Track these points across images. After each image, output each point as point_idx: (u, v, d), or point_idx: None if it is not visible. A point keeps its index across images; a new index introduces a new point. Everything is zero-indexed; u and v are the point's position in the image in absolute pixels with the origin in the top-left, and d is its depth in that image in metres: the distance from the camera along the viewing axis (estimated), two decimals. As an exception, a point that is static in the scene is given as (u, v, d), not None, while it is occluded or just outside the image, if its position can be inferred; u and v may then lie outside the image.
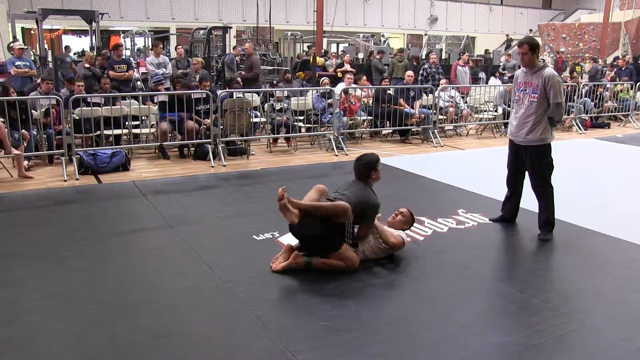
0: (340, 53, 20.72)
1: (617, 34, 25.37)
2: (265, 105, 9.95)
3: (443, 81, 11.94)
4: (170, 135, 8.57)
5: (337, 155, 9.09)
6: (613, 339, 3.46)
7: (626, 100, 13.73)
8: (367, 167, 4.61)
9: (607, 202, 6.63)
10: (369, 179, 4.61)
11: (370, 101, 10.83)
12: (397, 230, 4.75)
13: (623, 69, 15.16)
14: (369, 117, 10.64)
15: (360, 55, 21.11)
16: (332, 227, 4.31)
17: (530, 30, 29.72)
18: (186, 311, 3.72)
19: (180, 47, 13.51)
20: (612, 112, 13.63)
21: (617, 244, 5.17)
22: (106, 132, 8.13)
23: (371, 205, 4.50)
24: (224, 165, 8.21)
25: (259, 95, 10.49)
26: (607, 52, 24.50)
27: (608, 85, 13.81)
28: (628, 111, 13.69)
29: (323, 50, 20.27)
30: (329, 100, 9.78)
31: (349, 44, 23.20)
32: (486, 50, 24.29)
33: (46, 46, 14.36)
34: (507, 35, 29.46)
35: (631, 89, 13.88)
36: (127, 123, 8.54)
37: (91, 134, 8.08)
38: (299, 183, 7.00)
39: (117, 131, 8.34)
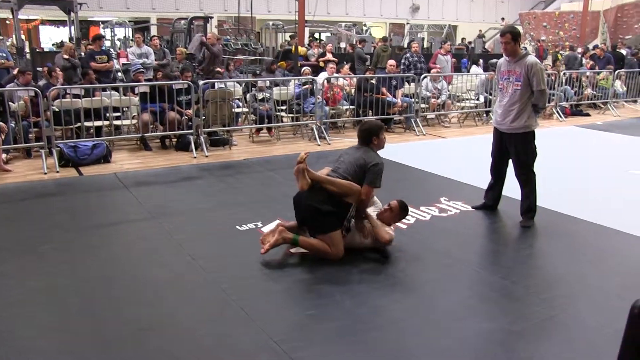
0: (322, 42, 20.66)
1: (597, 23, 25.58)
2: (248, 96, 9.90)
3: (433, 71, 11.97)
4: (151, 126, 8.49)
5: (319, 145, 9.08)
6: (592, 323, 3.50)
7: (605, 89, 13.86)
8: (367, 133, 4.64)
9: (588, 189, 6.70)
10: (370, 144, 4.63)
11: (353, 90, 10.82)
12: (388, 227, 4.72)
13: (600, 57, 15.28)
14: (351, 107, 10.63)
15: (343, 45, 21.06)
16: (338, 206, 4.34)
17: (503, 18, 29.80)
18: (170, 303, 3.70)
19: (155, 37, 13.37)
20: (591, 99, 13.75)
21: (597, 231, 5.23)
22: (87, 123, 8.03)
23: (372, 164, 4.46)
24: (206, 156, 8.16)
25: (241, 85, 10.44)
26: (587, 40, 24.71)
27: (588, 74, 13.93)
28: (607, 99, 13.83)
29: (311, 37, 20.15)
30: (305, 86, 9.73)
31: (331, 34, 23.14)
32: (462, 39, 24.37)
33: (23, 37, 14.13)
34: (502, 18, 29.44)
35: (611, 77, 14.00)
36: (107, 114, 8.44)
37: (71, 126, 7.98)
38: (282, 173, 6.99)
39: (98, 123, 8.25)
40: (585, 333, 3.39)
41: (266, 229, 4.97)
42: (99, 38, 11.08)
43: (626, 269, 4.37)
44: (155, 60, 11.57)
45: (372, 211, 4.75)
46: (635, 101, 14.95)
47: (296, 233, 4.43)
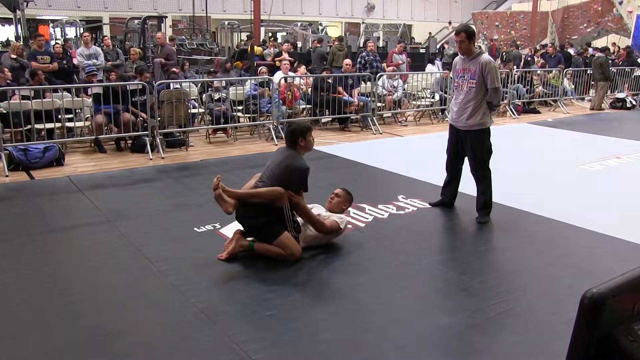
0: (279, 42, 20.60)
1: (546, 23, 26.30)
2: (204, 96, 9.80)
3: (389, 69, 12.08)
4: (106, 128, 8.31)
5: (277, 145, 9.04)
6: (545, 314, 3.60)
7: (555, 87, 14.25)
8: (293, 134, 4.49)
9: (541, 184, 6.87)
10: (296, 146, 4.47)
11: (309, 90, 10.83)
12: (337, 215, 4.75)
13: (552, 56, 15.68)
14: (308, 106, 10.64)
15: (299, 44, 21.06)
16: (270, 213, 4.31)
17: (450, 22, 30.13)
18: (127, 307, 3.63)
19: (107, 37, 13.12)
20: (542, 97, 14.12)
21: (549, 225, 5.37)
22: (37, 126, 7.81)
23: (295, 168, 4.35)
24: (163, 158, 8.05)
25: (196, 85, 10.33)
26: (537, 39, 25.36)
27: (538, 72, 14.29)
28: (557, 97, 14.21)
29: (273, 38, 20.02)
30: (262, 90, 9.68)
31: (286, 33, 23.10)
32: (412, 39, 24.67)
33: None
34: (450, 22, 29.82)
35: (561, 75, 14.39)
36: (60, 116, 8.23)
37: (21, 128, 7.75)
38: (239, 173, 6.94)
39: (50, 125, 8.03)
40: (537, 323, 3.48)
41: (225, 230, 4.94)
42: (38, 36, 10.75)
43: (577, 260, 4.51)
44: (109, 60, 11.35)
45: (316, 211, 4.74)
46: (582, 99, 15.42)
47: (252, 241, 4.42)
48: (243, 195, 4.33)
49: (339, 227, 4.61)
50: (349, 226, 4.79)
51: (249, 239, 4.46)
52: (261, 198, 4.29)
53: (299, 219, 4.56)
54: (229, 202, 4.25)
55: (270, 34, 23.52)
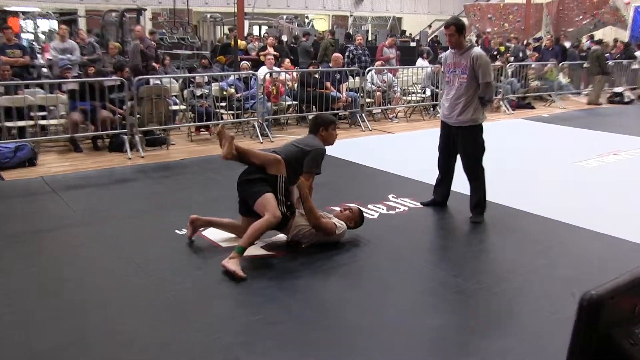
0: (263, 35, 20.57)
1: (540, 15, 26.42)
2: (185, 92, 9.77)
3: (378, 63, 12.10)
4: (82, 126, 8.26)
5: (262, 143, 9.05)
6: (543, 315, 3.63)
7: (551, 81, 14.33)
8: (315, 123, 4.87)
9: (536, 182, 6.92)
10: (317, 134, 4.80)
11: (296, 85, 10.83)
12: (338, 221, 4.73)
13: (550, 49, 15.69)
14: (294, 102, 10.64)
15: (284, 38, 21.05)
16: (265, 175, 4.46)
17: (430, 25, 29.97)
18: (113, 310, 3.63)
19: (82, 30, 13.00)
20: (537, 92, 14.21)
21: (545, 224, 5.42)
22: (8, 124, 7.74)
23: (310, 146, 4.65)
24: (142, 157, 8.02)
25: (177, 81, 10.29)
26: (531, 32, 25.49)
27: (533, 65, 14.36)
28: (553, 91, 14.31)
29: (266, 33, 19.94)
30: (247, 91, 9.67)
31: (271, 26, 23.07)
32: (403, 32, 24.73)
33: None
34: (429, 25, 29.61)
35: (556, 69, 14.48)
36: (32, 114, 8.16)
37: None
38: (223, 173, 6.91)
39: (21, 123, 7.96)
40: (536, 325, 3.50)
41: (207, 233, 4.93)
42: (6, 29, 10.64)
43: (574, 260, 4.55)
44: (85, 55, 11.25)
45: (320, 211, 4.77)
46: (579, 93, 15.53)
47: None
48: (243, 149, 4.53)
49: (334, 230, 4.60)
50: (342, 228, 4.74)
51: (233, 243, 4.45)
52: (257, 159, 4.52)
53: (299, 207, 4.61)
54: (231, 147, 4.41)
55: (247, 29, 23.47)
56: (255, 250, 4.53)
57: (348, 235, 4.86)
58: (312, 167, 4.61)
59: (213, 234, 4.90)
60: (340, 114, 10.86)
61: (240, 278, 4.02)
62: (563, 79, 14.84)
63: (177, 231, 5.03)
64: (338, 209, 5.04)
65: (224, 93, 9.70)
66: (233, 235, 4.74)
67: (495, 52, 15.74)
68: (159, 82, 9.03)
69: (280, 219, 4.33)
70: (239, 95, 9.55)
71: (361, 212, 4.99)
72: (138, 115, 8.33)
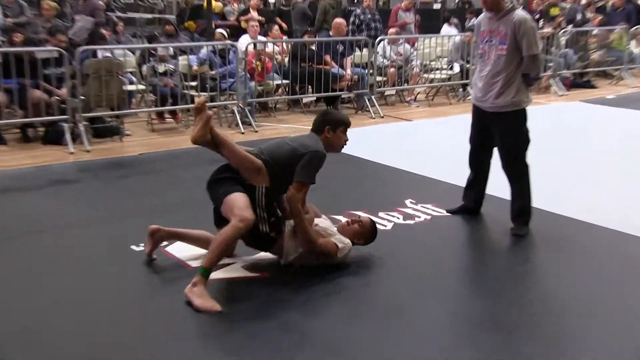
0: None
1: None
2: (144, 68, 9.72)
3: (392, 30, 12.05)
4: (7, 110, 8.23)
5: (243, 133, 9.02)
6: None
7: (618, 51, 14.16)
8: (322, 119, 4.79)
9: (598, 185, 6.87)
10: (321, 134, 4.71)
11: (287, 60, 10.79)
12: (342, 238, 4.66)
13: (619, 9, 15.40)
14: (284, 81, 10.60)
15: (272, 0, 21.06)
16: (239, 176, 4.42)
17: None
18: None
19: None
20: (600, 66, 14.09)
21: (614, 239, 5.34)
22: None
23: (307, 147, 4.53)
24: (88, 151, 7.99)
25: (134, 53, 10.24)
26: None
27: (596, 32, 14.20)
28: (622, 65, 14.18)
29: None
30: (224, 68, 9.62)
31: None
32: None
33: None
34: None
35: (626, 36, 14.22)
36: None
37: None
38: (193, 171, 6.87)
39: None
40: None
41: (172, 249, 4.88)
42: None
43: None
44: (9, 17, 11.13)
45: (322, 223, 4.73)
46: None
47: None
48: (221, 138, 4.45)
49: (335, 251, 4.53)
50: (346, 246, 4.68)
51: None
52: (233, 156, 4.42)
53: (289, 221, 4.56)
54: (206, 128, 4.37)
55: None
56: (234, 271, 4.49)
57: (352, 251, 4.81)
58: (305, 175, 4.47)
59: (179, 250, 4.84)
60: (343, 96, 10.84)
61: (216, 312, 3.97)
62: (636, 48, 14.70)
63: (132, 247, 4.97)
64: (344, 219, 4.99)
65: (194, 70, 9.66)
66: (205, 252, 4.69)
67: (537, 16, 15.67)
68: (109, 54, 8.98)
69: (250, 222, 4.22)
70: (213, 72, 9.51)
71: (374, 225, 4.92)
72: (82, 97, 8.28)
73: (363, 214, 5.01)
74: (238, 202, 4.27)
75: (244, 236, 4.38)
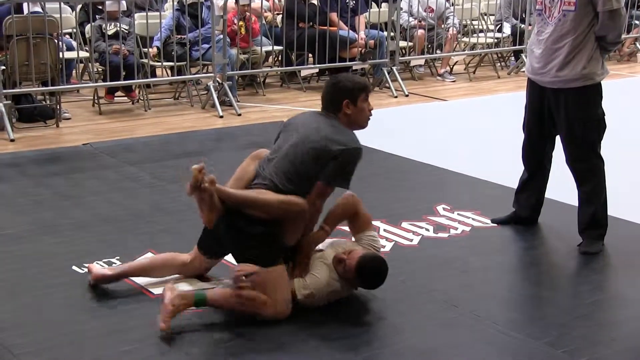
0: None
1: None
2: (88, 29, 9.73)
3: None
4: None
5: (222, 117, 9.05)
6: None
7: None
8: (334, 90, 4.65)
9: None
10: (339, 113, 4.60)
11: (279, 19, 10.81)
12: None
13: None
14: (276, 48, 10.61)
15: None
16: (272, 225, 4.31)
17: None
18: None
19: None
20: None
21: None
22: None
23: (338, 145, 4.43)
24: (12, 140, 8.06)
25: (73, 9, 10.25)
26: None
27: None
28: None
29: None
30: (196, 30, 9.67)
31: None
32: None
33: None
34: None
35: None
36: None
37: None
38: (153, 168, 6.89)
39: None
40: None
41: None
42: None
43: None
44: None
45: (326, 247, 4.70)
46: None
47: (199, 291, 4.36)
48: (240, 199, 4.29)
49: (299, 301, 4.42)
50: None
51: (192, 288, 4.46)
52: (268, 210, 4.30)
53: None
54: (217, 206, 4.21)
55: None
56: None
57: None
58: (342, 180, 4.50)
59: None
60: (355, 67, 10.84)
61: (160, 327, 4.02)
62: None
63: (75, 268, 4.99)
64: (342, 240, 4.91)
65: (152, 53, 9.64)
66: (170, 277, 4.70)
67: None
68: (39, 9, 9.01)
69: (286, 315, 4.28)
70: (182, 36, 9.53)
71: (364, 267, 4.47)
72: (3, 68, 8.34)
73: (359, 251, 4.58)
74: (282, 290, 4.28)
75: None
